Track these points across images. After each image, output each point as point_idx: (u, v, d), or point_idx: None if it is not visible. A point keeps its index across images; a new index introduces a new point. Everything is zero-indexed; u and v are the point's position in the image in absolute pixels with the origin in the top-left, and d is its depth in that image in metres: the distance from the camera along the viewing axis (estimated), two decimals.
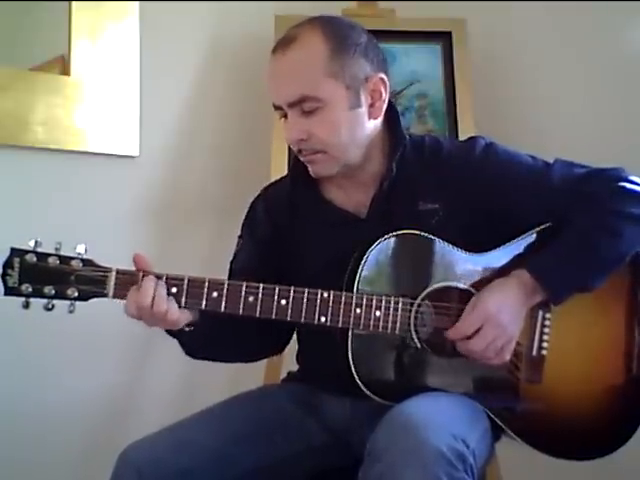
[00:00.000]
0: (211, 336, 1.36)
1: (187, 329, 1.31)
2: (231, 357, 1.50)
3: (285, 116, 1.35)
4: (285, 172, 1.87)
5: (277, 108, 1.35)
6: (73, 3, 1.90)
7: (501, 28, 2.30)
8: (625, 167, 1.42)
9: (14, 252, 1.21)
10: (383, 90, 1.36)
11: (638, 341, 1.41)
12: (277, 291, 1.28)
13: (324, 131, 1.32)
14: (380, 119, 1.39)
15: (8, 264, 1.20)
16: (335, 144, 1.33)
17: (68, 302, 1.23)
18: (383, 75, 1.36)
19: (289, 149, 2.03)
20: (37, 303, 1.22)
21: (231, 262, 1.49)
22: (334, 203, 1.44)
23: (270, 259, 1.43)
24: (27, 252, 1.21)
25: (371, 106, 1.36)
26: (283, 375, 1.60)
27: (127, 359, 2.05)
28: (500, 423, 1.35)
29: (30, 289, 1.21)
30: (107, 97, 1.95)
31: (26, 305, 1.21)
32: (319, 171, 1.38)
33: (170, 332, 1.33)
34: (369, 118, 1.36)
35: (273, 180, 1.59)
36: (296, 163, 1.45)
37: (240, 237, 1.52)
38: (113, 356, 2.00)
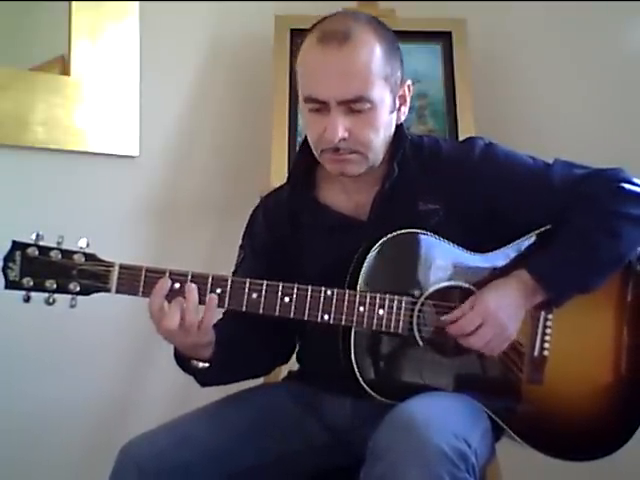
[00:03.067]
0: (224, 366, 1.35)
1: (201, 365, 1.32)
2: (242, 378, 1.49)
3: (318, 110, 1.31)
4: (285, 172, 1.87)
5: (315, 101, 1.30)
6: (73, 3, 1.90)
7: (501, 28, 2.31)
8: (624, 167, 1.42)
9: (16, 245, 1.20)
10: (408, 96, 1.38)
11: (639, 341, 1.41)
12: (280, 288, 1.28)
13: (366, 132, 1.31)
14: None
15: (9, 257, 1.19)
16: (372, 146, 1.32)
17: (69, 297, 1.22)
18: (409, 81, 1.38)
19: (289, 149, 2.03)
20: (37, 299, 1.20)
21: (233, 273, 1.47)
22: (332, 207, 1.43)
23: (272, 269, 1.41)
24: (29, 245, 1.20)
25: (398, 110, 1.37)
26: (283, 374, 1.60)
27: (127, 356, 2.05)
28: (501, 423, 1.35)
29: (31, 283, 1.19)
30: (107, 97, 1.95)
31: (27, 299, 1.20)
32: (349, 171, 1.35)
33: (184, 367, 1.34)
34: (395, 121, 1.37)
35: (273, 188, 1.57)
36: (295, 167, 1.44)
37: (241, 247, 1.51)
38: (113, 353, 2.00)
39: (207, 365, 1.33)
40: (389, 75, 1.31)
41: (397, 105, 1.36)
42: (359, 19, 1.33)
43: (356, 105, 1.28)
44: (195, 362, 1.33)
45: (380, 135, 1.33)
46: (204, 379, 1.37)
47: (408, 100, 1.38)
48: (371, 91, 1.28)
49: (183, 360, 1.34)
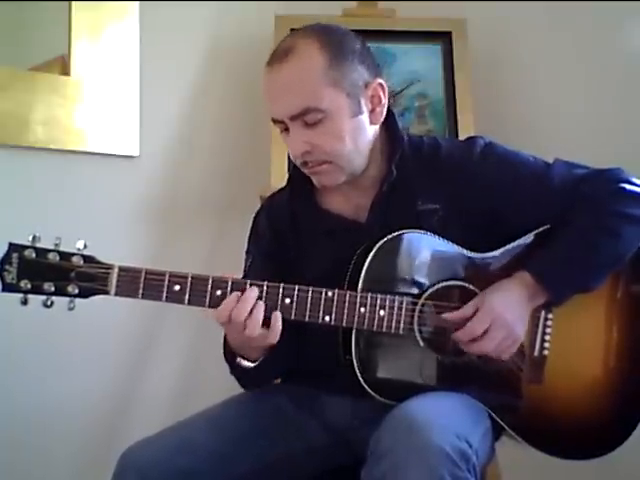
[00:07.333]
0: (266, 368, 1.36)
1: (246, 364, 1.33)
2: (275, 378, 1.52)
3: (286, 130, 1.33)
4: (285, 172, 1.87)
5: (277, 122, 1.33)
6: (73, 3, 1.90)
7: (501, 28, 2.30)
8: (625, 167, 1.42)
9: (12, 247, 1.18)
10: (382, 95, 1.36)
11: (638, 341, 1.41)
12: (281, 290, 1.27)
13: (328, 141, 1.31)
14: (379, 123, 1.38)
15: (6, 260, 1.18)
16: (340, 153, 1.32)
17: (68, 299, 1.21)
18: (381, 80, 1.36)
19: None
20: (36, 301, 1.20)
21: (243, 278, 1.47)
22: (331, 210, 1.43)
23: (279, 269, 1.42)
24: (26, 247, 1.18)
25: (371, 112, 1.35)
26: None
27: (127, 360, 2.05)
28: (501, 422, 1.35)
29: (29, 285, 1.18)
30: (107, 97, 1.95)
31: (24, 301, 1.18)
32: (325, 182, 1.37)
33: (231, 364, 1.37)
34: (370, 124, 1.36)
35: (273, 188, 1.58)
36: (295, 170, 1.44)
37: (247, 252, 1.51)
38: (113, 357, 2.00)
39: (251, 365, 1.34)
40: (339, 80, 1.29)
41: (369, 107, 1.35)
42: (305, 33, 1.32)
43: (308, 117, 1.29)
44: (242, 361, 1.34)
45: (346, 142, 1.32)
46: (247, 378, 1.39)
47: (383, 99, 1.36)
48: (318, 101, 1.28)
49: (232, 356, 1.36)
